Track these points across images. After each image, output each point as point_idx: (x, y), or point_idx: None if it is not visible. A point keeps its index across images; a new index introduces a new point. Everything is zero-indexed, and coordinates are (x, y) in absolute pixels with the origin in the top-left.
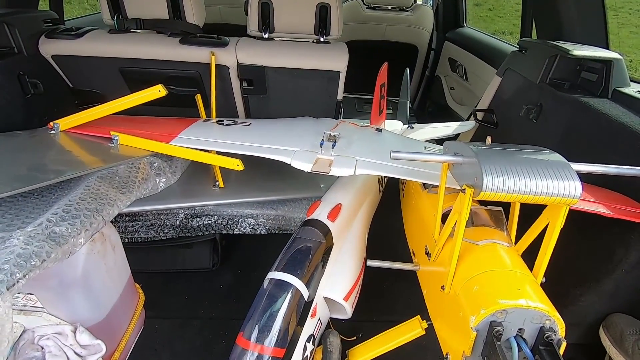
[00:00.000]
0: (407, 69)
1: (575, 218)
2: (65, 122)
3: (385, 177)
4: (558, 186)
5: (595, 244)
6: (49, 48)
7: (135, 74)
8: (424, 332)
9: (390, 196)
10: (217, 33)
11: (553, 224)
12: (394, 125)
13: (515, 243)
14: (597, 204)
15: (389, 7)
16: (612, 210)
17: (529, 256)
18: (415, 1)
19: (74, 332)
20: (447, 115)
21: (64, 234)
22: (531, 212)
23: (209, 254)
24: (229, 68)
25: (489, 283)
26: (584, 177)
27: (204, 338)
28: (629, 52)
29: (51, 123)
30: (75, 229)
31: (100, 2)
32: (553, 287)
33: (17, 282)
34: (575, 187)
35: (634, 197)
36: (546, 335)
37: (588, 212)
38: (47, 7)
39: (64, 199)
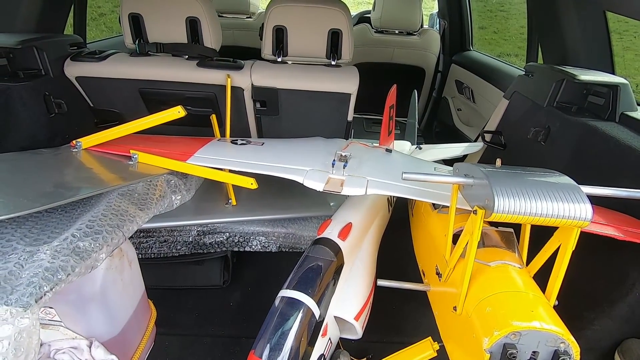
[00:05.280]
0: (415, 90)
1: (587, 240)
2: (87, 141)
3: (394, 196)
4: (569, 209)
5: (607, 266)
6: (74, 70)
7: (154, 95)
8: (435, 354)
9: (399, 216)
10: (230, 55)
11: (565, 246)
12: (402, 146)
13: (527, 265)
14: (609, 226)
15: (397, 31)
16: (624, 233)
17: (541, 278)
18: (422, 25)
19: (90, 347)
20: (454, 136)
21: (87, 249)
22: (542, 233)
23: (219, 271)
24: (243, 90)
25: (501, 305)
26: (594, 200)
27: (214, 356)
28: (635, 75)
29: (74, 141)
30: (97, 244)
31: (123, 28)
32: (566, 310)
33: (45, 295)
34: (586, 209)
35: None
36: (561, 358)
37: (599, 234)
38: (71, 31)
39: (87, 215)
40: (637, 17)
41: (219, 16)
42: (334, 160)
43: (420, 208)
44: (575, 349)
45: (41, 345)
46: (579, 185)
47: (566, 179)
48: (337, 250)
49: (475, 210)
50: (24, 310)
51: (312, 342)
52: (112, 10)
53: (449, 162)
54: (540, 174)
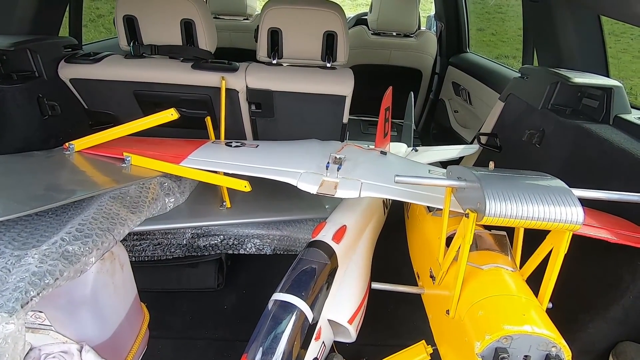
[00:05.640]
0: (412, 92)
1: (581, 243)
2: (80, 143)
3: (389, 199)
4: (560, 212)
5: (601, 269)
6: (68, 72)
7: (149, 97)
8: (429, 358)
9: (395, 218)
10: (226, 57)
11: (557, 249)
12: (399, 148)
13: (520, 268)
14: (602, 229)
15: (394, 33)
16: (617, 236)
17: (534, 281)
18: (419, 27)
19: (80, 351)
20: (451, 137)
21: (76, 253)
22: (536, 236)
23: (214, 274)
24: (238, 92)
25: (493, 308)
26: (587, 203)
27: (208, 359)
28: (632, 77)
29: (67, 144)
30: (87, 248)
31: (118, 30)
32: (560, 313)
33: (31, 299)
34: (577, 213)
35: (636, 223)
36: None
37: (593, 237)
38: (66, 33)
39: (77, 218)
40: (630, 21)
41: (216, 18)
42: (328, 162)
43: (416, 210)
44: (567, 353)
45: (31, 349)
46: (571, 189)
47: (558, 182)
48: (331, 253)
49: (467, 214)
50: (9, 316)
51: (305, 346)
52: (110, 12)
53: (445, 164)
54: (533, 177)
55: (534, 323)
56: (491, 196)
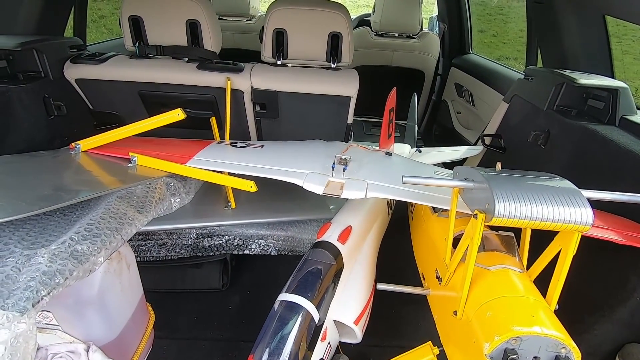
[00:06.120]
0: (415, 94)
1: (587, 244)
2: (86, 143)
3: (393, 200)
4: (570, 213)
5: (608, 271)
6: (74, 72)
7: (154, 98)
8: (435, 359)
9: (399, 219)
10: (229, 58)
11: (565, 250)
12: (402, 149)
13: (527, 269)
14: (609, 230)
15: (396, 35)
16: (624, 237)
17: (541, 282)
18: (421, 29)
19: (87, 351)
20: (454, 138)
21: (85, 253)
22: (543, 237)
23: (218, 274)
24: (243, 92)
25: (502, 309)
26: (594, 204)
27: None
28: (634, 79)
29: (73, 144)
30: (96, 248)
31: (123, 30)
32: (567, 314)
33: (42, 299)
34: (587, 214)
35: None
36: None
37: (600, 238)
38: (71, 33)
39: (86, 218)
40: (636, 21)
41: (219, 19)
42: (334, 163)
43: (420, 211)
44: (576, 354)
45: (38, 349)
46: (580, 190)
47: (567, 183)
48: (336, 254)
49: (476, 214)
50: (20, 315)
51: (311, 347)
52: (112, 13)
53: (448, 165)
54: (541, 177)
55: (543, 324)
56: (500, 197)
